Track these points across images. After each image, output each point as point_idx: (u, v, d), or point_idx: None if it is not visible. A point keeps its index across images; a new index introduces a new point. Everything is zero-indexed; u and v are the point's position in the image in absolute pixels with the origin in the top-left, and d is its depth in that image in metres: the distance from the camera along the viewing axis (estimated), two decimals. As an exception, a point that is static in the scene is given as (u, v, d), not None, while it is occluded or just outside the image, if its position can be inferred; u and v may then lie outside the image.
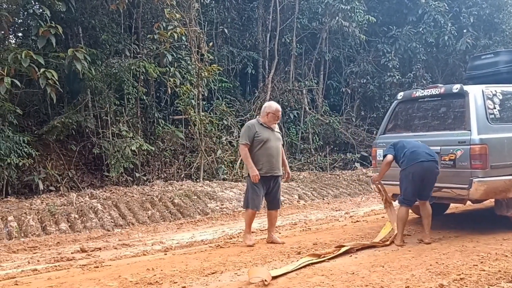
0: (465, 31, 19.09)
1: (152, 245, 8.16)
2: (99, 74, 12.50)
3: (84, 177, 12.83)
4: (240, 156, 14.69)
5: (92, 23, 13.21)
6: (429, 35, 18.55)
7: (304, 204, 12.17)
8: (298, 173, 15.71)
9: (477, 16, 19.19)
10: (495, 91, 7.79)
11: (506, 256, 6.18)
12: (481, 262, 5.92)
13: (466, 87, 7.76)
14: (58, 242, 8.64)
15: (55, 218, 9.84)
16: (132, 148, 12.24)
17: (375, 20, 17.85)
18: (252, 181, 7.49)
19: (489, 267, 5.69)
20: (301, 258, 6.29)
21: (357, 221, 9.57)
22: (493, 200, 7.88)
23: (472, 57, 10.71)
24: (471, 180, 7.20)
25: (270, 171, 7.63)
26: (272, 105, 7.89)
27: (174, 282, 5.65)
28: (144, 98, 13.75)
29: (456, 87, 7.78)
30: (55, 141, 12.45)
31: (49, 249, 8.14)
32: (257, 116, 8.20)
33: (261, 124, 7.77)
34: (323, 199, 12.91)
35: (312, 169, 16.54)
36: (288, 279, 5.59)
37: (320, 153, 17.54)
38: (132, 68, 12.80)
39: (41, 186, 11.56)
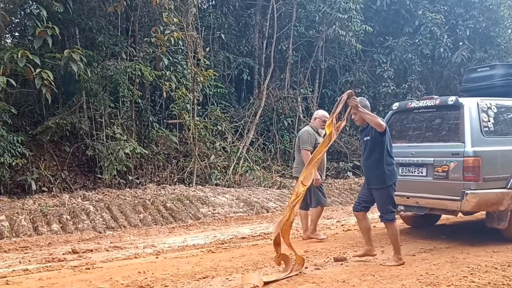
0: (461, 43, 19.19)
1: (143, 248, 8.16)
2: (95, 76, 12.51)
3: (77, 179, 12.80)
4: (233, 162, 14.83)
5: (89, 25, 13.21)
6: (425, 47, 18.63)
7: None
8: (291, 180, 15.71)
9: (473, 29, 19.29)
10: (490, 104, 7.84)
11: (496, 268, 6.19)
12: (471, 274, 5.94)
13: (461, 99, 7.80)
14: (50, 243, 8.63)
15: (47, 218, 9.83)
16: (126, 151, 12.25)
17: (371, 30, 17.91)
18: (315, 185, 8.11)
19: (478, 279, 5.71)
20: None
21: (348, 229, 9.59)
22: (484, 212, 7.91)
23: (468, 70, 10.77)
24: (463, 192, 7.25)
25: (323, 174, 8.61)
26: (319, 112, 8.86)
27: (165, 286, 5.66)
28: (139, 101, 13.76)
29: (451, 99, 7.83)
30: (49, 142, 12.44)
31: (41, 250, 8.14)
32: (309, 124, 8.99)
33: (315, 131, 8.59)
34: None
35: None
36: (279, 285, 5.61)
37: (313, 161, 17.54)
38: (128, 71, 12.81)
39: (33, 187, 11.54)
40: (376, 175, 6.57)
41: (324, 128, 8.46)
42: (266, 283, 5.61)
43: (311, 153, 7.99)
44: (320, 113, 8.76)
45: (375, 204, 6.81)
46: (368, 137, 6.61)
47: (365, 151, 6.72)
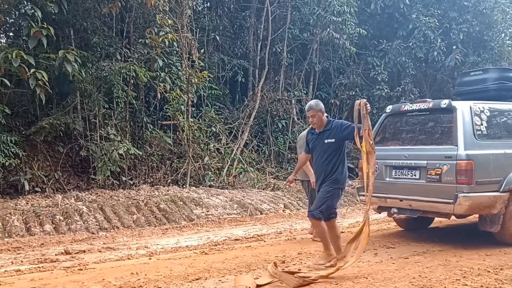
0: (454, 47, 19.25)
1: (136, 249, 8.16)
2: (89, 77, 12.50)
3: (70, 179, 12.79)
4: (227, 163, 14.85)
5: (84, 26, 13.21)
6: (419, 50, 18.68)
7: (289, 214, 12.22)
8: (284, 182, 15.73)
9: (467, 33, 19.35)
10: (483, 107, 7.89)
11: (489, 271, 6.21)
12: (464, 277, 5.96)
13: (454, 103, 7.84)
14: (42, 244, 8.62)
15: (39, 219, 9.82)
16: (120, 152, 12.24)
17: (365, 33, 17.96)
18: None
19: (471, 282, 5.73)
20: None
21: (342, 232, 9.56)
22: (477, 215, 7.94)
23: (461, 73, 10.81)
24: (456, 195, 7.28)
25: None
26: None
27: (158, 287, 5.67)
28: (134, 102, 13.75)
29: (444, 103, 7.86)
30: (42, 142, 12.41)
31: (33, 250, 8.13)
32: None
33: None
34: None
35: (298, 179, 16.54)
36: (272, 287, 5.62)
37: (307, 163, 17.58)
38: (122, 71, 12.81)
39: (26, 187, 11.51)
40: (335, 176, 6.52)
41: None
42: (259, 286, 5.62)
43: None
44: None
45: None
46: (333, 140, 6.49)
47: (326, 153, 6.55)
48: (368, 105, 6.26)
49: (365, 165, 6.25)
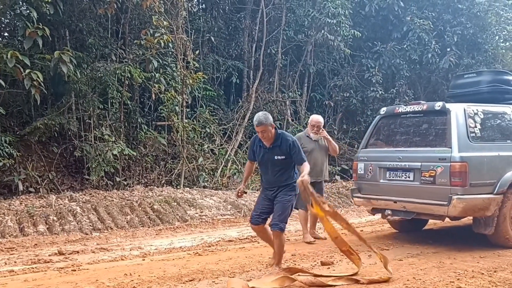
0: (448, 49, 19.28)
1: (130, 250, 8.17)
2: (84, 77, 12.47)
3: (64, 180, 12.77)
4: (221, 164, 14.85)
5: (80, 27, 13.21)
6: (413, 52, 18.72)
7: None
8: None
9: (461, 35, 19.41)
10: (477, 110, 7.94)
11: (483, 274, 6.24)
12: (458, 279, 5.98)
13: (448, 105, 7.88)
14: (36, 244, 8.62)
15: (33, 219, 9.81)
16: (114, 152, 12.23)
17: (360, 35, 17.99)
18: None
19: (465, 284, 5.75)
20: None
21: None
22: (471, 217, 7.97)
23: (455, 76, 10.86)
24: (450, 197, 7.31)
25: (314, 177, 8.35)
26: (313, 117, 9.15)
27: (152, 288, 5.69)
28: (128, 103, 13.74)
29: (438, 105, 7.90)
30: (36, 143, 12.39)
31: (27, 251, 8.12)
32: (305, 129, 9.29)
33: (307, 136, 8.92)
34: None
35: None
36: (265, 289, 5.64)
37: (301, 165, 17.59)
38: (117, 72, 12.80)
39: (20, 187, 11.48)
40: (291, 184, 6.35)
41: (315, 133, 8.79)
42: None
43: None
44: (315, 118, 9.06)
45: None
46: (283, 157, 6.24)
47: (277, 167, 6.34)
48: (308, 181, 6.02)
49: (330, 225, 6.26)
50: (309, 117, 18.31)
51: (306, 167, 6.13)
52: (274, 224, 6.24)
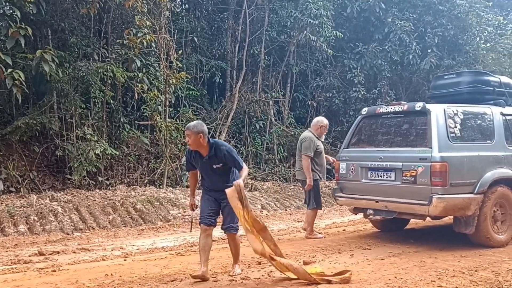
0: (429, 51, 19.43)
1: (111, 250, 8.13)
2: (66, 77, 12.41)
3: (46, 179, 12.68)
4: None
5: (62, 26, 13.12)
6: (394, 53, 18.84)
7: (267, 214, 12.24)
8: (262, 183, 15.78)
9: (442, 36, 19.55)
10: (457, 110, 8.00)
11: (463, 273, 6.28)
12: (439, 278, 6.02)
13: (428, 106, 7.94)
14: (16, 244, 8.55)
15: (14, 219, 9.73)
16: (96, 152, 12.17)
17: (342, 36, 18.08)
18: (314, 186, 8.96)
19: (446, 284, 5.79)
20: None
21: (318, 233, 9.66)
22: (452, 217, 8.04)
23: (436, 77, 10.92)
24: (431, 196, 7.37)
25: (322, 175, 9.27)
26: (324, 120, 9.46)
27: (133, 289, 5.67)
28: (111, 102, 13.68)
29: (419, 105, 7.96)
30: (18, 142, 12.28)
31: (6, 251, 8.05)
32: (308, 129, 9.60)
33: (316, 137, 9.20)
34: (286, 210, 13.01)
35: (276, 180, 16.63)
36: (248, 288, 5.66)
37: (285, 164, 17.66)
38: (99, 71, 12.74)
39: (1, 187, 11.38)
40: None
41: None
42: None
43: (312, 158, 8.94)
44: (326, 121, 9.47)
45: None
46: (220, 164, 6.18)
47: (217, 174, 6.28)
48: (243, 185, 5.98)
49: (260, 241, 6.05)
50: (292, 117, 18.53)
51: (244, 171, 6.15)
52: (229, 227, 6.35)
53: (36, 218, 9.88)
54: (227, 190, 5.91)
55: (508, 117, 8.59)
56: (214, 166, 6.20)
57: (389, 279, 5.99)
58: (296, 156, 9.55)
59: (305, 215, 9.52)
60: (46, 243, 8.72)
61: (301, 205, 13.52)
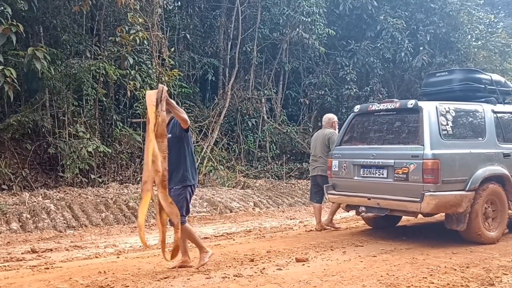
0: (421, 48, 19.48)
1: (104, 248, 8.12)
2: (58, 74, 12.38)
3: (38, 177, 12.64)
4: (197, 161, 14.81)
5: (54, 23, 13.08)
6: (387, 51, 18.89)
7: (259, 212, 12.27)
8: (254, 180, 15.81)
9: (434, 34, 19.63)
10: (449, 108, 8.03)
11: (455, 270, 6.31)
12: (431, 275, 6.05)
13: (420, 103, 7.96)
14: (9, 242, 8.53)
15: (6, 217, 9.71)
16: (89, 150, 12.15)
17: (334, 33, 18.12)
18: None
19: (438, 280, 5.81)
20: None
21: (311, 230, 9.69)
22: (443, 214, 8.08)
23: (427, 74, 10.95)
24: (423, 193, 7.39)
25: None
26: (335, 116, 10.04)
27: (126, 286, 5.66)
28: (103, 100, 13.65)
29: (411, 103, 7.98)
30: (10, 139, 12.24)
31: (-1, 249, 8.04)
32: (323, 127, 9.96)
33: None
34: (278, 207, 13.04)
35: (268, 177, 16.66)
36: (241, 286, 5.66)
37: (277, 162, 17.69)
38: (92, 69, 12.71)
39: (-7, 184, 11.37)
40: (176, 175, 6.29)
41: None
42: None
43: None
44: (335, 117, 10.00)
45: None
46: (170, 135, 6.12)
47: (171, 150, 6.06)
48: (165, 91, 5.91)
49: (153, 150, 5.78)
50: (284, 115, 18.56)
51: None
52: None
53: (28, 215, 9.87)
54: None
55: (499, 115, 8.67)
56: (168, 136, 6.10)
57: (381, 276, 6.01)
58: (317, 152, 9.70)
59: (316, 210, 9.75)
60: (38, 240, 8.71)
61: (293, 202, 13.57)
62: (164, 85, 6.08)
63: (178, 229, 5.97)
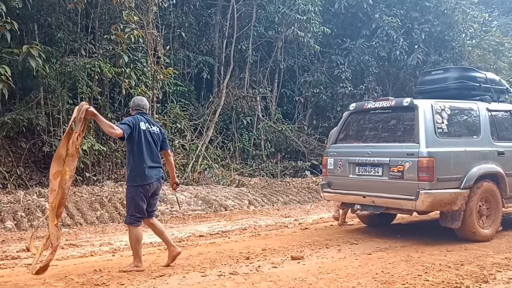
0: (416, 47, 19.54)
1: (100, 246, 8.12)
2: (53, 72, 12.32)
3: (33, 175, 12.60)
4: (192, 160, 14.82)
5: (49, 21, 13.02)
6: (382, 49, 18.93)
7: (254, 210, 12.27)
8: (249, 179, 15.82)
9: (429, 33, 19.67)
10: (444, 106, 8.07)
11: (450, 267, 6.35)
12: (425, 273, 6.08)
13: (416, 101, 8.00)
14: (3, 240, 8.51)
15: (1, 216, 9.68)
16: (83, 148, 12.11)
17: (329, 31, 18.16)
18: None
19: (433, 278, 5.85)
20: None
21: (306, 228, 9.72)
22: (438, 212, 8.12)
23: (423, 73, 10.99)
24: (418, 191, 7.43)
25: None
26: None
27: (122, 284, 5.66)
28: (98, 98, 13.59)
29: (406, 101, 8.01)
30: (4, 138, 12.19)
31: (-6, 247, 8.02)
32: None
33: None
34: (273, 205, 13.04)
35: (263, 176, 16.66)
36: (236, 284, 5.67)
37: (272, 160, 17.69)
38: (87, 67, 12.65)
39: (-13, 183, 11.33)
40: (128, 173, 6.54)
41: None
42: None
43: None
44: None
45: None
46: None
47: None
48: (91, 109, 6.06)
49: (63, 168, 5.90)
50: (279, 113, 18.62)
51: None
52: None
53: (23, 214, 9.84)
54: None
55: (493, 113, 8.73)
56: None
57: (376, 274, 6.04)
58: None
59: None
60: (34, 239, 8.67)
61: (288, 200, 13.59)
62: (87, 103, 6.11)
63: (55, 252, 5.89)
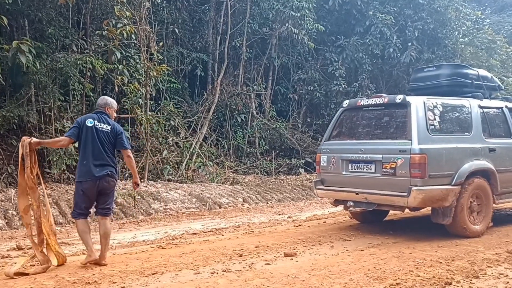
0: (409, 44, 19.60)
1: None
2: (44, 68, 12.24)
3: (24, 173, 12.52)
4: (186, 157, 14.79)
5: (39, 16, 12.93)
6: (375, 47, 18.96)
7: (248, 207, 12.26)
8: (243, 176, 15.80)
9: (422, 30, 19.73)
10: (436, 103, 8.08)
11: (441, 263, 6.37)
12: (417, 268, 6.10)
13: (408, 98, 8.00)
14: (-6, 239, 8.46)
15: (-9, 214, 9.62)
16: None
17: (323, 29, 18.16)
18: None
19: (424, 273, 5.87)
20: None
21: (300, 225, 9.71)
22: (430, 208, 8.14)
23: (415, 70, 11.00)
24: (410, 188, 7.44)
25: None
26: None
27: (113, 282, 5.62)
28: (90, 95, 13.53)
29: (399, 98, 8.01)
30: (-5, 135, 12.15)
31: (-16, 246, 7.96)
32: None
33: None
34: (267, 203, 13.03)
35: (257, 173, 16.64)
36: (229, 281, 5.64)
37: (266, 158, 17.68)
38: (78, 63, 12.58)
39: (-22, 181, 11.26)
40: None
41: None
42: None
43: None
44: None
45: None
46: None
47: None
48: (33, 140, 6.29)
49: (30, 201, 6.38)
50: (273, 110, 18.64)
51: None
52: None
53: (14, 212, 9.78)
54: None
55: (485, 110, 8.76)
56: None
57: (369, 270, 6.04)
58: None
59: None
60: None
61: (282, 198, 13.58)
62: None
63: (44, 271, 6.17)
